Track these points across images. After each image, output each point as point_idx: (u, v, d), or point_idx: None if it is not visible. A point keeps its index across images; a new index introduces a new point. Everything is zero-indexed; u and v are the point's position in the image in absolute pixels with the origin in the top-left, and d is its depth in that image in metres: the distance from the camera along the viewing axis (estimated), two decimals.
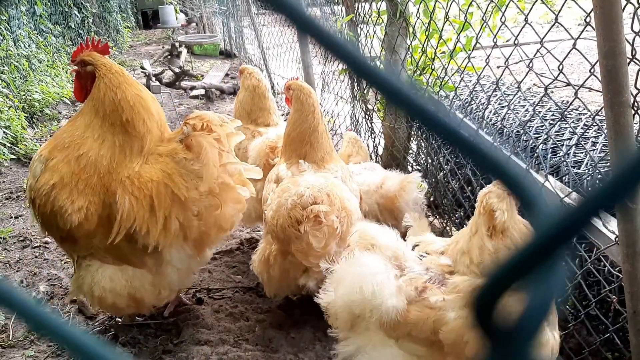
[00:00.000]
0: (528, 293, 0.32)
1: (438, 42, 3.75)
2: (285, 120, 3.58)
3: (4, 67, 7.41)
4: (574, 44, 2.43)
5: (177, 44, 11.85)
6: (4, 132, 6.32)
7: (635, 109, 2.03)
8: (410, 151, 4.68)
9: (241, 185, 2.97)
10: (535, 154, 3.45)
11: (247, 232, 4.51)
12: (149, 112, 2.91)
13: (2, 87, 6.96)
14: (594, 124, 3.26)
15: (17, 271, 3.95)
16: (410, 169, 4.49)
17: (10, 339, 3.16)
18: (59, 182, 2.74)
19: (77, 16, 12.51)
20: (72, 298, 3.23)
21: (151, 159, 2.88)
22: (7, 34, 7.96)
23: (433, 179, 4.28)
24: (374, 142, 5.02)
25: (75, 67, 3.00)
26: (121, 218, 2.75)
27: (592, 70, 2.34)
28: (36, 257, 4.17)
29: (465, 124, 0.37)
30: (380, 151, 4.92)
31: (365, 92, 4.95)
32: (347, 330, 2.35)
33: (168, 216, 2.79)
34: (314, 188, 2.81)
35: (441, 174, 4.05)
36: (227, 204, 2.93)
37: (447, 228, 4.05)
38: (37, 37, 9.45)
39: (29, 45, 8.73)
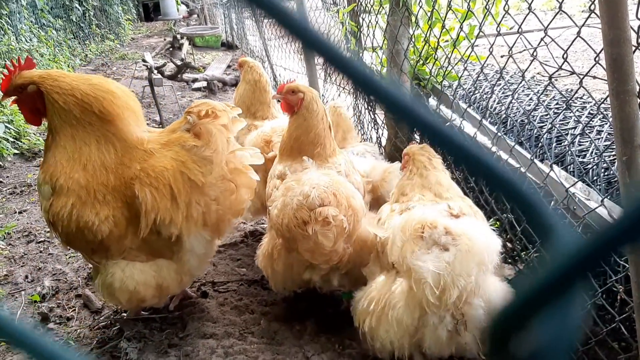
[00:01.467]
0: (544, 327, 0.31)
1: (441, 31, 3.72)
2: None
3: (5, 61, 7.40)
4: (579, 32, 2.40)
5: (178, 36, 11.83)
6: (6, 126, 6.32)
7: None
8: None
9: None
10: (540, 143, 3.43)
11: (251, 225, 4.51)
12: (110, 92, 2.82)
13: None
14: (599, 112, 3.23)
15: (22, 266, 3.96)
16: None
17: None
18: (77, 201, 2.70)
19: (78, 9, 12.48)
20: (105, 300, 3.20)
21: (158, 148, 2.86)
22: (8, 28, 7.95)
23: None
24: (377, 133, 5.00)
25: (13, 98, 2.82)
26: (145, 211, 2.75)
27: (596, 59, 2.32)
28: (41, 252, 4.18)
29: (479, 145, 0.35)
30: (384, 142, 4.90)
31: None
32: None
33: (188, 203, 2.81)
34: (320, 188, 2.76)
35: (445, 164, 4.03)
36: (241, 188, 2.97)
37: None
38: (38, 31, 9.44)
39: (30, 40, 8.72)
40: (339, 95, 5.95)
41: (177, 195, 2.79)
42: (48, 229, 3.32)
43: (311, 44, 0.37)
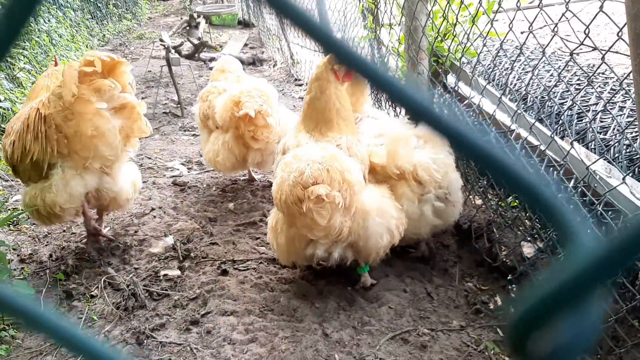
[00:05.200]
0: (564, 327, 0.32)
1: (459, 7, 3.66)
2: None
3: (25, 42, 7.46)
4: (601, 7, 2.35)
5: (195, 15, 11.80)
6: None
7: None
8: None
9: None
10: (561, 120, 3.39)
11: (270, 205, 4.54)
12: None
13: (25, 63, 7.01)
14: (622, 88, 3.18)
15: (45, 245, 4.03)
16: None
17: None
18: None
19: None
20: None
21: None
22: None
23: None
24: (394, 111, 4.97)
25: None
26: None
27: (619, 34, 2.28)
28: (64, 231, 4.25)
29: (493, 140, 0.35)
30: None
31: (385, 59, 4.88)
32: None
33: (39, 134, 3.29)
34: (314, 165, 2.84)
35: None
36: (85, 115, 3.24)
37: (471, 197, 4.02)
38: (56, 11, 9.47)
39: (48, 20, 8.76)
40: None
41: (31, 129, 3.34)
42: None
43: (330, 48, 0.37)
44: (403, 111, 4.34)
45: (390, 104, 5.03)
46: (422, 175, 3.23)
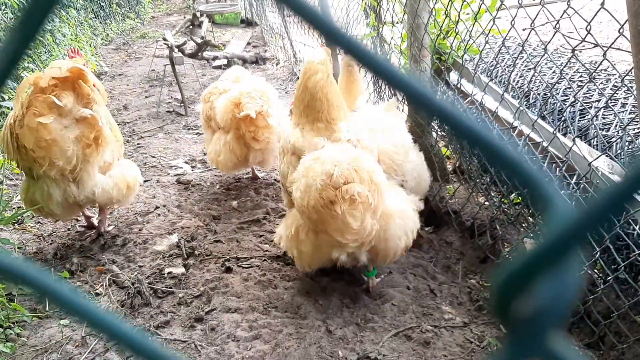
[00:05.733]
0: (544, 289, 0.33)
1: (462, 4, 3.67)
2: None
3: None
4: (602, 3, 2.36)
5: (198, 14, 11.81)
6: None
7: None
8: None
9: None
10: (563, 117, 3.39)
11: (274, 202, 4.56)
12: None
13: (28, 63, 7.04)
14: (623, 85, 3.18)
15: (50, 244, 4.06)
16: (435, 135, 4.45)
17: (47, 310, 3.26)
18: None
19: None
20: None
21: None
22: None
23: (458, 145, 4.24)
24: (398, 108, 4.98)
25: None
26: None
27: (621, 30, 2.28)
28: (68, 229, 4.28)
29: (473, 116, 0.37)
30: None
31: (388, 57, 4.88)
32: None
33: (9, 142, 3.46)
34: (342, 165, 2.75)
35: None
36: (30, 127, 3.34)
37: (473, 194, 4.03)
38: (59, 10, 9.49)
39: (52, 20, 8.78)
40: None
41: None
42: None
43: (330, 36, 0.39)
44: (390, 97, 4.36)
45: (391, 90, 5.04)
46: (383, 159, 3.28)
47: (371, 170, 2.85)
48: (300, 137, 3.21)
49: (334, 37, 0.38)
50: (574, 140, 2.84)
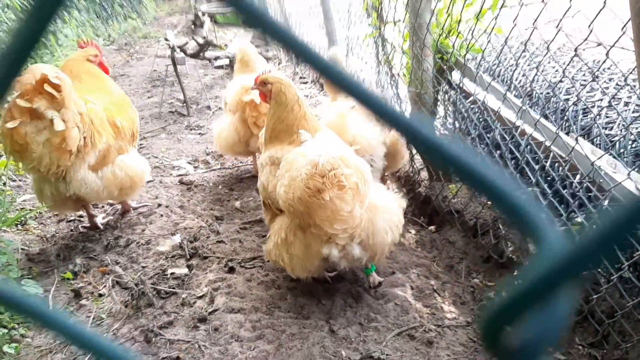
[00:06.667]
0: (532, 322, 0.34)
1: (464, 4, 3.66)
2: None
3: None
4: (605, 2, 2.35)
5: (200, 14, 11.82)
6: None
7: None
8: (438, 116, 4.63)
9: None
10: (566, 116, 3.39)
11: None
12: None
13: (31, 64, 7.05)
14: (626, 84, 3.18)
15: (53, 245, 4.07)
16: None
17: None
18: None
19: None
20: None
21: None
22: None
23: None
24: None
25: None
26: None
27: (623, 29, 2.28)
28: (71, 230, 4.28)
29: (467, 149, 0.38)
30: None
31: (390, 57, 4.89)
32: None
33: None
34: (327, 155, 2.73)
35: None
36: (4, 130, 3.47)
37: (476, 193, 4.02)
38: (61, 11, 9.50)
39: (54, 21, 8.80)
40: (361, 70, 5.92)
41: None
42: None
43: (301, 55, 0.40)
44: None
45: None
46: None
47: (357, 159, 2.89)
48: (277, 150, 3.28)
49: (304, 56, 0.39)
50: (576, 139, 2.83)
